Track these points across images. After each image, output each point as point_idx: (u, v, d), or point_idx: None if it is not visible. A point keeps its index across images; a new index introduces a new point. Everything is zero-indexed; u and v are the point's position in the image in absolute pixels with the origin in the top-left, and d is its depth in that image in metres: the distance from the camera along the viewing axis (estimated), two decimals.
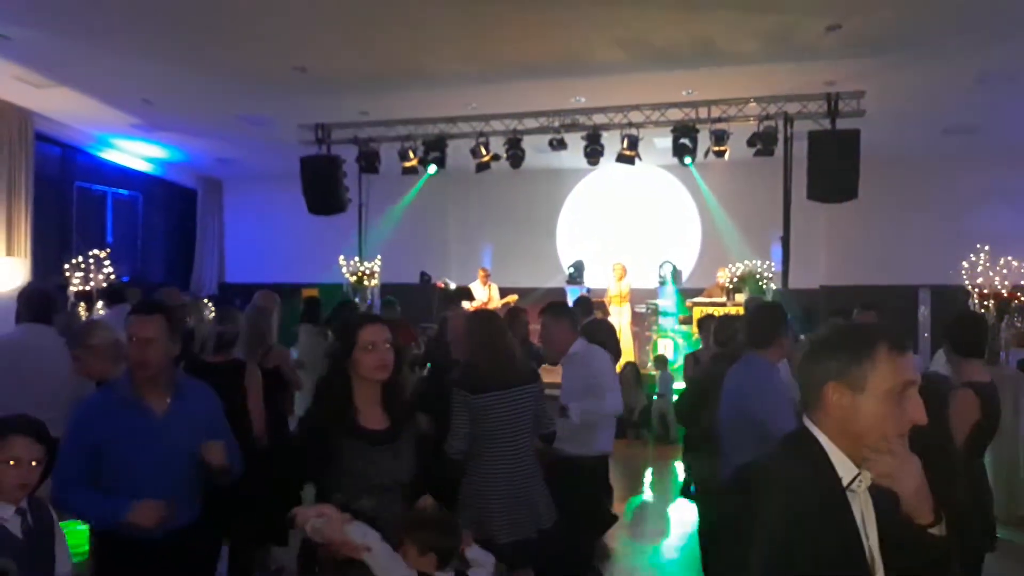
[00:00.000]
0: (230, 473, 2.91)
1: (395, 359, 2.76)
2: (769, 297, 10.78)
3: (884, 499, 1.62)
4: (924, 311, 11.39)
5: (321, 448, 2.66)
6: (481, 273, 12.59)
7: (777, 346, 3.64)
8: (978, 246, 9.58)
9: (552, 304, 4.66)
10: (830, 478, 1.61)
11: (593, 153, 10.30)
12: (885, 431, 1.58)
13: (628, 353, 11.04)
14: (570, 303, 11.57)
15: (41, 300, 4.36)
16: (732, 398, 3.67)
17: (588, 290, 12.88)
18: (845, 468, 1.61)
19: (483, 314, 4.17)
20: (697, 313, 10.95)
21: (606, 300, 11.68)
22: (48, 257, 11.60)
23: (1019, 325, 9.32)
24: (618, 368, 9.13)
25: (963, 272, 9.60)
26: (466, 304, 11.92)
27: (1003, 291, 9.33)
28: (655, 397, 9.77)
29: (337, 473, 2.62)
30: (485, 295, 12.27)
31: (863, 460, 1.60)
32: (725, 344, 4.68)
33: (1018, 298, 9.31)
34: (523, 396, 3.59)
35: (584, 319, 7.68)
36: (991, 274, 9.42)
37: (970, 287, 9.56)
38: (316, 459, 2.67)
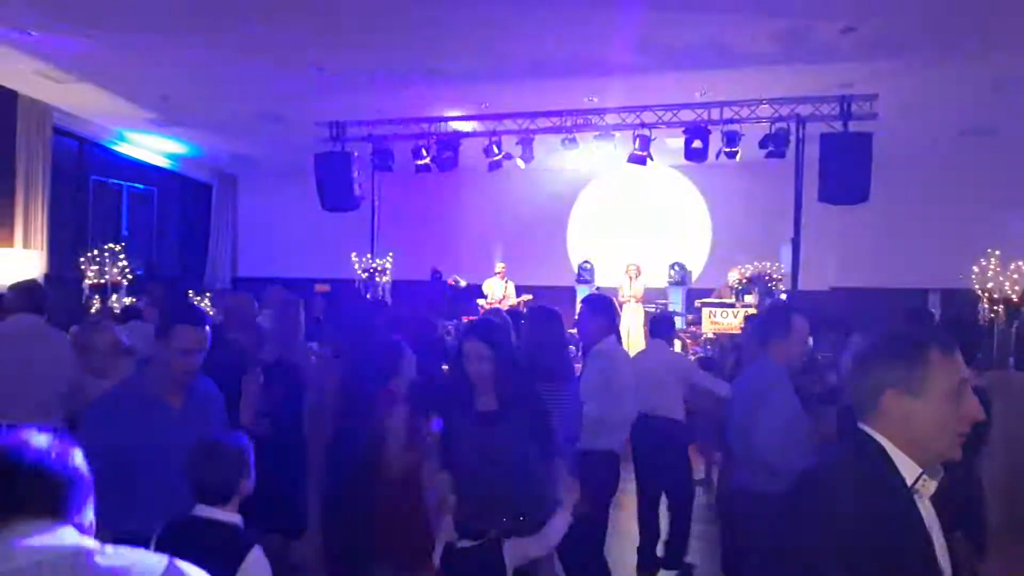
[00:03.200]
0: None
1: (502, 359, 3.26)
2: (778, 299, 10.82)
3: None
4: (934, 314, 11.39)
5: (447, 424, 3.38)
6: (499, 269, 12.64)
7: (778, 346, 3.70)
8: (988, 251, 9.57)
9: (593, 297, 4.82)
10: (896, 479, 1.64)
11: (605, 153, 10.38)
12: (947, 431, 1.63)
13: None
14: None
15: (38, 292, 4.51)
16: (739, 398, 3.76)
17: (598, 289, 12.94)
18: (908, 469, 1.65)
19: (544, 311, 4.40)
20: (706, 314, 11.00)
21: (619, 300, 11.75)
22: (64, 250, 11.74)
23: None
24: None
25: (973, 276, 9.59)
26: (480, 302, 12.06)
27: (1013, 296, 9.33)
28: None
29: (455, 442, 3.29)
30: (502, 292, 12.32)
31: (928, 465, 1.65)
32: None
33: None
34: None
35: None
36: (1001, 279, 9.42)
37: (980, 291, 9.56)
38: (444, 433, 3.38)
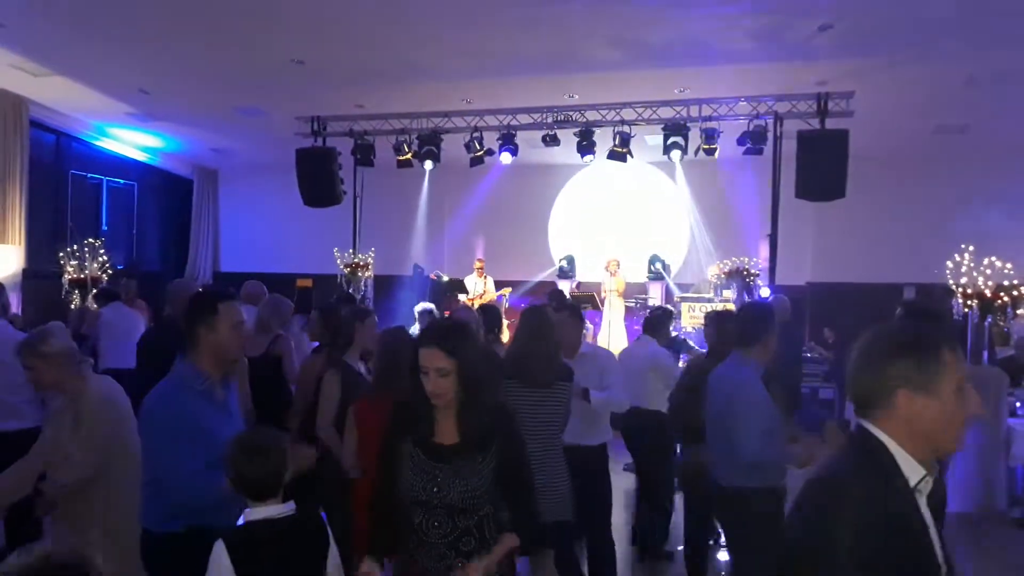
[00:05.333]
0: None
1: (470, 374, 2.57)
2: (756, 293, 10.93)
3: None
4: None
5: (389, 454, 2.65)
6: (477, 265, 12.70)
7: (762, 346, 3.72)
8: (963, 246, 9.69)
9: (570, 305, 5.00)
10: (900, 483, 1.66)
11: (585, 149, 10.43)
12: (953, 428, 1.67)
13: (620, 348, 11.18)
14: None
15: None
16: (716, 396, 3.80)
17: (579, 284, 13.02)
18: (912, 469, 1.66)
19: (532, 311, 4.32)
20: (685, 308, 11.11)
21: (600, 295, 11.84)
22: (43, 245, 11.66)
23: (1001, 324, 9.46)
24: None
25: (947, 271, 9.72)
26: (461, 297, 12.10)
27: (986, 291, 9.46)
28: None
29: (397, 486, 2.62)
30: (481, 287, 12.37)
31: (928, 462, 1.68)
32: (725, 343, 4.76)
33: (1001, 298, 9.45)
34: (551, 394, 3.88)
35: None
36: (975, 274, 9.55)
37: (954, 286, 9.69)
38: (385, 465, 2.66)
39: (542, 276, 13.93)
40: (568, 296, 11.96)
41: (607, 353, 5.03)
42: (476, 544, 2.55)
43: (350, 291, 11.73)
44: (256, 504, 2.47)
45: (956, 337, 4.10)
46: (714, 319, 5.24)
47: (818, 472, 1.79)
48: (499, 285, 12.69)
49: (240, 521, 2.47)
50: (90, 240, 11.42)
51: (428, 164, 11.04)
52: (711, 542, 5.39)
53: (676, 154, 10.08)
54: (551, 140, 10.51)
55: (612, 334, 11.50)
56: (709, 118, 9.89)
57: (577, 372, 4.33)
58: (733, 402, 3.55)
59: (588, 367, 4.50)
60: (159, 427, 2.77)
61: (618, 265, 12.08)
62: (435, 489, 2.52)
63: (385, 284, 13.17)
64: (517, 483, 2.64)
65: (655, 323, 6.18)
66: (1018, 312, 9.55)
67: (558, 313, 4.62)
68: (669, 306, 8.37)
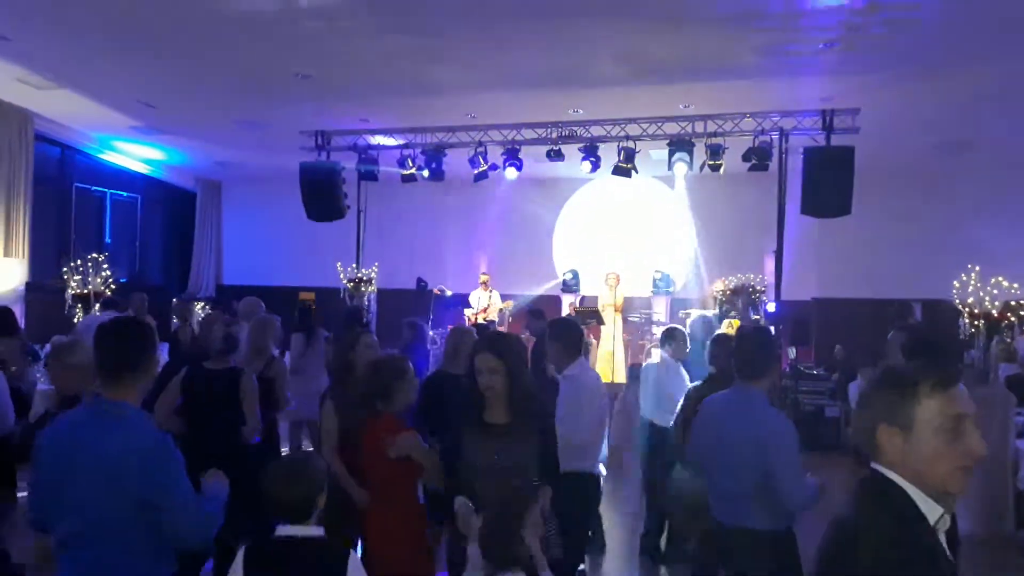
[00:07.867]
0: None
1: (515, 371, 3.21)
2: (761, 310, 10.87)
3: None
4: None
5: (454, 437, 3.30)
6: (482, 279, 12.66)
7: (770, 376, 3.58)
8: (969, 265, 9.61)
9: (555, 322, 4.88)
10: (919, 523, 1.60)
11: (590, 165, 10.40)
12: (943, 467, 1.59)
13: (619, 362, 11.14)
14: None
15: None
16: (728, 430, 3.48)
17: (583, 298, 12.97)
18: (929, 508, 1.60)
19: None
20: None
21: (601, 308, 11.78)
22: (46, 258, 11.64)
23: (1008, 342, 9.38)
24: None
25: (954, 291, 9.64)
26: (467, 312, 12.07)
27: (993, 311, 9.39)
28: None
29: (462, 458, 3.23)
30: (486, 301, 12.33)
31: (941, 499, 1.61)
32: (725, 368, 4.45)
33: (1007, 318, 9.38)
34: None
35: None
36: (982, 294, 9.47)
37: (960, 306, 9.61)
38: (451, 446, 3.33)
39: (546, 290, 13.88)
40: (573, 311, 11.94)
41: (591, 385, 4.53)
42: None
43: (355, 304, 11.68)
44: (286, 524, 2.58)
45: (958, 363, 4.02)
46: (723, 341, 4.93)
47: (838, 515, 1.73)
48: (502, 299, 12.65)
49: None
50: (93, 255, 11.39)
51: (425, 172, 11.00)
52: None
53: (681, 169, 10.05)
54: (555, 155, 10.48)
55: (616, 348, 11.44)
56: (714, 134, 9.85)
57: (562, 390, 4.26)
58: (767, 445, 3.28)
59: (569, 391, 4.27)
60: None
61: (618, 279, 12.01)
62: (495, 457, 3.15)
63: (388, 298, 13.12)
64: (548, 450, 3.29)
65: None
66: None
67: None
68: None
